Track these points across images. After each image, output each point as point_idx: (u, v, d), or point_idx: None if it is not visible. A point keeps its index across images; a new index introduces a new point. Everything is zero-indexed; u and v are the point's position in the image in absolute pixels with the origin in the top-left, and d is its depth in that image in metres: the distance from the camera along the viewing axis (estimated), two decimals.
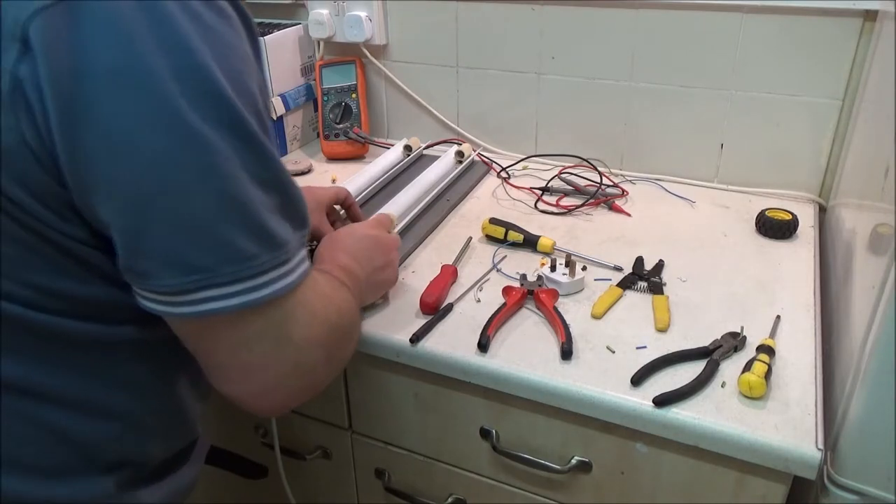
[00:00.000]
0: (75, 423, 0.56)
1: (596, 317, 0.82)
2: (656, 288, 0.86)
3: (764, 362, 0.71)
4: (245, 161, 0.50)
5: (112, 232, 0.50)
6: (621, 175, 1.19)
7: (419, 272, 0.92)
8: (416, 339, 0.79)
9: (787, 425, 0.66)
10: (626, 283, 0.88)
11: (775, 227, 0.99)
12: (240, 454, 0.96)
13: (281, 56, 1.29)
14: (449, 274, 0.89)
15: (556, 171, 1.17)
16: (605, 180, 1.13)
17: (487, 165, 1.23)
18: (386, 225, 0.87)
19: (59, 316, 0.53)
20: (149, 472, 0.63)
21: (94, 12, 0.44)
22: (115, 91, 0.45)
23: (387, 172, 1.17)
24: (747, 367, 0.71)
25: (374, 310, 0.84)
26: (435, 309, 0.83)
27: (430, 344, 0.79)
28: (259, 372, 0.56)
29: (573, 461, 0.78)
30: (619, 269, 0.91)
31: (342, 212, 0.96)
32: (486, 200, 1.13)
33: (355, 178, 1.12)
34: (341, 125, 1.30)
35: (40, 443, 0.55)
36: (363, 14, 1.26)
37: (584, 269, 0.88)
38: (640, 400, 0.70)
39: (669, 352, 0.75)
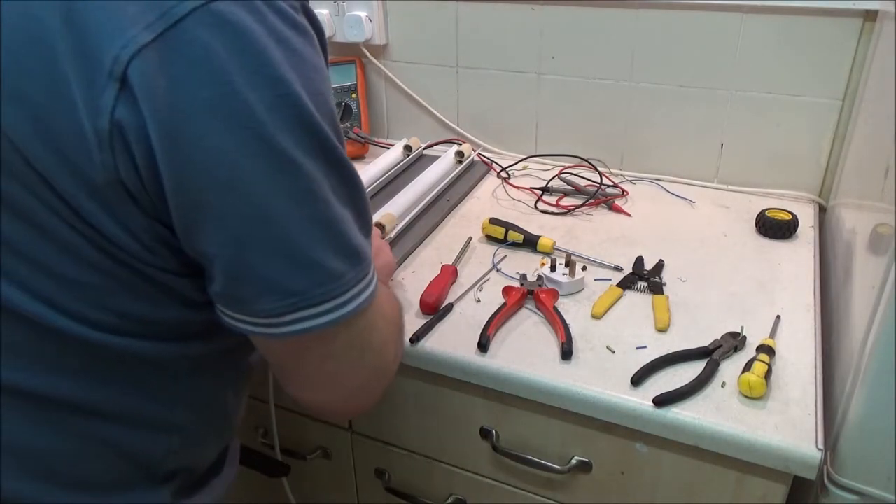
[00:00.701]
0: (137, 439, 0.58)
1: (596, 317, 0.82)
2: (656, 288, 0.86)
3: (764, 362, 0.70)
4: (333, 184, 0.52)
5: (213, 262, 0.50)
6: (621, 175, 1.19)
7: (419, 272, 0.92)
8: (416, 339, 0.79)
9: (787, 425, 0.66)
10: (626, 283, 0.88)
11: (775, 227, 0.99)
12: (262, 452, 0.96)
13: None
14: (449, 274, 0.89)
15: (556, 171, 1.18)
16: (605, 180, 1.13)
17: (487, 165, 1.23)
18: None
19: (128, 337, 0.54)
20: (198, 477, 0.65)
21: (188, 49, 0.44)
22: (215, 127, 0.45)
23: (387, 172, 1.17)
24: (747, 367, 0.71)
25: None
26: (435, 309, 0.83)
27: (430, 344, 0.79)
28: (346, 379, 0.59)
29: (573, 461, 0.78)
30: (619, 269, 0.91)
31: None
32: (486, 200, 1.13)
33: None
34: (341, 125, 1.30)
35: (102, 459, 0.56)
36: (363, 14, 1.26)
37: (584, 269, 0.88)
38: (640, 400, 0.70)
39: (669, 352, 0.75)
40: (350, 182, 0.54)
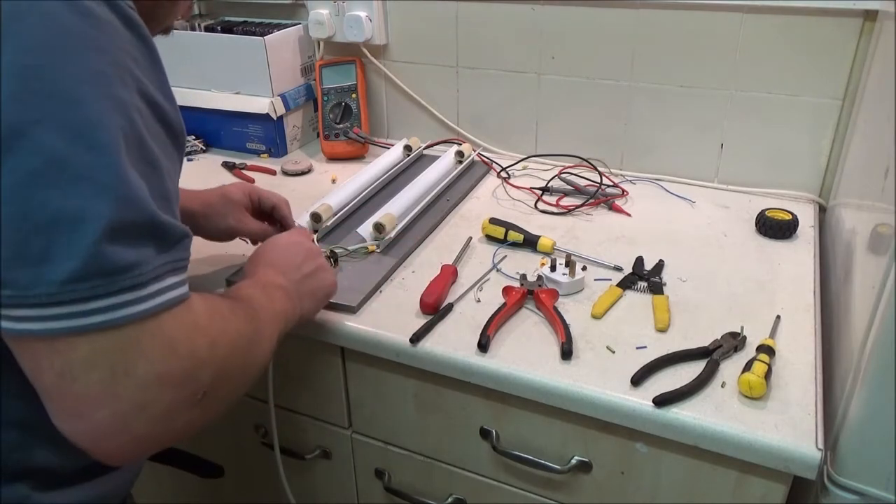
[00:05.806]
0: None
1: (596, 317, 0.82)
2: (656, 288, 0.86)
3: (764, 362, 0.70)
4: (88, 168, 0.46)
5: None
6: (621, 175, 1.19)
7: (419, 272, 0.92)
8: (416, 339, 0.79)
9: (786, 425, 0.66)
10: (626, 283, 0.88)
11: (775, 227, 0.99)
12: (193, 454, 0.95)
13: (281, 56, 1.29)
14: (449, 274, 0.89)
15: (556, 171, 1.18)
16: (605, 180, 1.13)
17: (487, 165, 1.23)
18: (307, 234, 0.87)
19: None
20: (69, 476, 0.60)
21: None
22: None
23: (387, 172, 1.17)
24: (747, 366, 0.71)
25: (373, 310, 0.84)
26: (435, 309, 0.83)
27: (430, 344, 0.79)
28: (90, 408, 0.49)
29: (573, 461, 0.78)
30: (619, 269, 0.91)
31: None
32: (486, 200, 1.13)
33: (355, 179, 1.12)
34: (341, 125, 1.30)
35: None
36: (363, 14, 1.26)
37: (584, 269, 0.88)
38: (640, 400, 0.70)
39: (669, 352, 0.75)
40: (118, 177, 0.47)
